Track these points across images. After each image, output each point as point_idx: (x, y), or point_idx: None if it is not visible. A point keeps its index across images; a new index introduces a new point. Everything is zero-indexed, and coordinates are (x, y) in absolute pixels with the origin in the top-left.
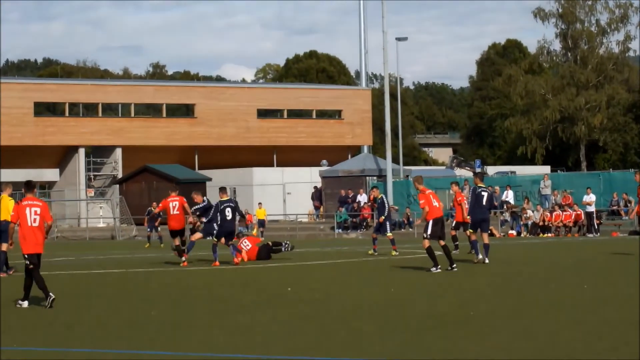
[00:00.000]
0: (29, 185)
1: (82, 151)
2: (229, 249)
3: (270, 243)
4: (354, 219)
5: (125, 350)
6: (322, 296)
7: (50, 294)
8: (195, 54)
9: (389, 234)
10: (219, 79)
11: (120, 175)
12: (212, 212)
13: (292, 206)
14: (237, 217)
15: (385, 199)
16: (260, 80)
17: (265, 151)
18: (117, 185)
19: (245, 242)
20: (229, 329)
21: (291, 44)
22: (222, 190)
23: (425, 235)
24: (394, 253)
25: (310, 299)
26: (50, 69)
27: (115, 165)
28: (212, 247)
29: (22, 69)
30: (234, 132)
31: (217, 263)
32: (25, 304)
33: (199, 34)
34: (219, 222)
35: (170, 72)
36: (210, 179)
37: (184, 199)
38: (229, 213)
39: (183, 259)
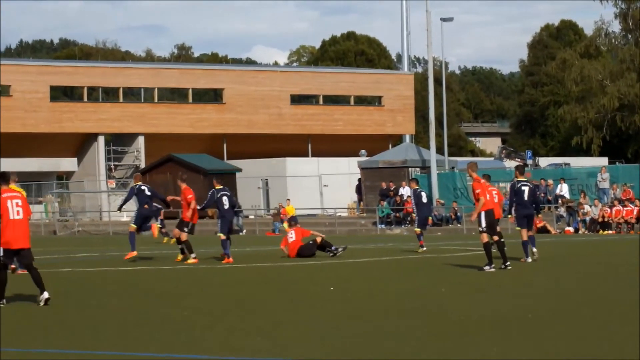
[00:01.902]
0: (4, 177)
1: (101, 139)
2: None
3: (318, 241)
4: (397, 214)
5: (156, 354)
6: (364, 296)
7: (4, 300)
8: (223, 35)
9: (416, 228)
10: (249, 62)
11: (143, 165)
12: (206, 201)
13: (329, 199)
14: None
15: (420, 192)
16: (294, 64)
17: (299, 140)
18: (140, 176)
19: (290, 234)
20: (265, 330)
21: (327, 24)
22: (217, 178)
23: (481, 229)
24: (419, 250)
25: (352, 299)
26: (67, 50)
27: (138, 154)
28: (221, 243)
29: (37, 50)
30: (265, 120)
31: (231, 259)
32: (3, 302)
33: (227, 13)
34: (219, 215)
35: (196, 55)
36: (240, 170)
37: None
38: (226, 202)
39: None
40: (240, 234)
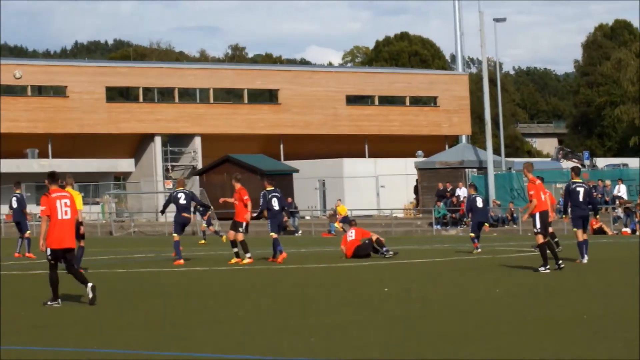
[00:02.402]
0: (53, 177)
1: (158, 140)
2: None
3: (374, 239)
4: (453, 215)
5: (211, 354)
6: (418, 297)
7: (59, 300)
8: (277, 36)
9: (471, 232)
10: (304, 63)
11: (199, 166)
12: (261, 205)
13: (385, 200)
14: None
15: (475, 197)
16: (349, 64)
17: (355, 140)
18: (197, 177)
19: (351, 232)
20: (317, 330)
21: (381, 25)
22: (268, 179)
23: (536, 230)
24: (474, 252)
25: (406, 299)
26: (122, 51)
27: (195, 155)
28: (273, 241)
29: (92, 51)
30: (321, 120)
31: (284, 254)
32: (89, 288)
33: (281, 14)
34: (270, 215)
35: (250, 55)
36: (297, 171)
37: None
38: (276, 204)
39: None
40: (296, 234)
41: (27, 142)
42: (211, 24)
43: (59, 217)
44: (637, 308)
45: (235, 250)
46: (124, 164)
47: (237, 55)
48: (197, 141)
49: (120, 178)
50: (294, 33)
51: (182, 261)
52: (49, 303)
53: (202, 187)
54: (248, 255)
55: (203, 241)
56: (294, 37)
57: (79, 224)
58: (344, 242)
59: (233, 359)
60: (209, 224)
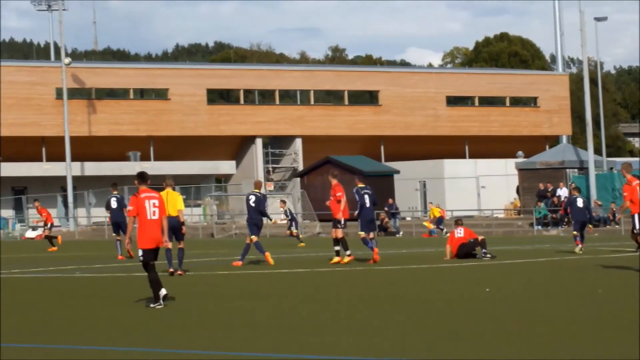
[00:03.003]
0: (143, 177)
1: (259, 141)
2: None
3: (479, 239)
4: (554, 215)
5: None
6: (520, 297)
7: (161, 302)
8: (377, 37)
9: (574, 231)
10: (403, 64)
11: (300, 168)
12: (358, 203)
13: (486, 201)
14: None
15: (575, 199)
16: (448, 65)
17: (456, 141)
18: (298, 179)
19: (459, 230)
20: (406, 330)
21: (480, 25)
22: (359, 176)
23: (635, 231)
24: (576, 250)
25: (506, 300)
26: (222, 54)
27: (296, 156)
28: (362, 240)
29: (193, 53)
30: (422, 121)
31: (375, 249)
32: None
33: (380, 15)
34: (358, 211)
35: (350, 57)
36: (398, 172)
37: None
38: (367, 200)
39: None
40: (397, 235)
41: (130, 144)
42: (311, 25)
43: (148, 217)
44: None
45: (337, 248)
46: (225, 166)
47: (337, 57)
48: (298, 143)
49: (221, 180)
50: (394, 34)
51: (240, 263)
52: (152, 305)
53: (303, 189)
54: (348, 252)
55: (302, 243)
56: (394, 38)
57: (180, 224)
58: (449, 241)
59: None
60: (290, 226)
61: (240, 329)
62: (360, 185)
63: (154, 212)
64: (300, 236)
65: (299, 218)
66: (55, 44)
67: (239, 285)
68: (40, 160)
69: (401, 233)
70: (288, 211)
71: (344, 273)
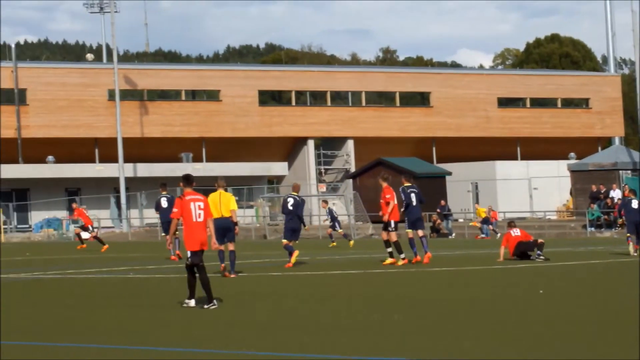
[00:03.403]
0: (188, 180)
1: (311, 143)
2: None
3: (539, 242)
4: (607, 217)
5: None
6: (572, 298)
7: (214, 300)
8: (428, 38)
9: (627, 233)
10: (454, 65)
11: (352, 169)
12: (405, 202)
13: (538, 202)
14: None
15: (630, 200)
16: (499, 67)
17: (507, 143)
18: (350, 180)
19: (516, 230)
20: (451, 331)
21: (530, 26)
22: (405, 175)
23: None
24: (631, 251)
25: (560, 301)
26: (273, 55)
27: (347, 158)
28: (409, 241)
29: (244, 54)
30: (473, 123)
31: (405, 260)
32: (192, 302)
33: (431, 17)
34: (404, 210)
35: (401, 58)
36: (450, 173)
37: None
38: (414, 199)
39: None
40: (450, 237)
41: (182, 146)
42: (362, 26)
43: (193, 219)
44: None
45: (389, 250)
46: (277, 168)
47: (388, 58)
48: (350, 144)
49: (273, 181)
50: (445, 36)
51: (291, 262)
52: (205, 306)
53: (355, 190)
54: (402, 256)
55: (334, 243)
56: (445, 39)
57: (233, 225)
58: (505, 242)
59: None
60: (333, 227)
61: (295, 330)
62: (407, 184)
63: (199, 214)
64: (341, 233)
65: (351, 220)
66: (107, 46)
67: (292, 286)
68: (93, 161)
69: (453, 234)
70: (330, 211)
71: (396, 275)
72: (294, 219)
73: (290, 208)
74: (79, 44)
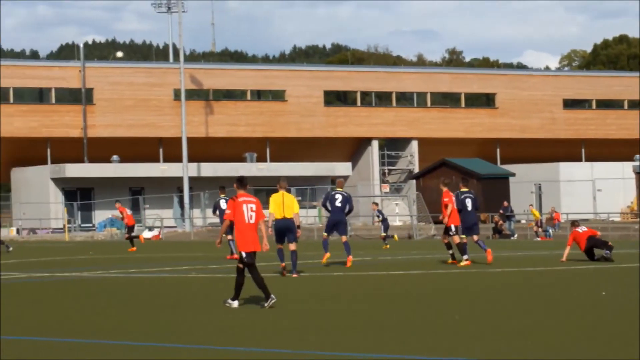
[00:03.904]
0: (242, 182)
1: (375, 143)
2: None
3: (609, 243)
4: None
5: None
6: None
7: (272, 295)
8: (494, 40)
9: None
10: (520, 67)
11: (416, 170)
12: (455, 204)
13: (602, 204)
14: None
15: None
16: (565, 68)
17: (572, 144)
18: (414, 181)
19: (581, 227)
20: (532, 333)
21: (598, 28)
22: (463, 180)
23: None
24: None
25: (623, 303)
26: (339, 55)
27: (411, 159)
28: (462, 246)
29: (310, 55)
30: (538, 124)
31: (469, 262)
32: (235, 304)
33: (497, 18)
34: (460, 217)
35: (467, 59)
36: (513, 174)
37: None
38: (469, 204)
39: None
40: (512, 238)
41: (246, 146)
42: (428, 27)
43: (245, 221)
44: None
45: (450, 252)
46: (341, 168)
47: (454, 59)
48: (414, 145)
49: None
50: (511, 37)
51: (327, 255)
52: (265, 304)
53: (419, 191)
54: (465, 257)
55: (387, 245)
56: (511, 41)
57: (296, 227)
58: (571, 241)
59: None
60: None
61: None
62: (463, 189)
63: (251, 216)
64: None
65: (413, 220)
66: (174, 46)
67: (352, 286)
68: (157, 161)
69: (516, 236)
70: (379, 212)
71: (456, 275)
72: (340, 214)
73: (339, 205)
74: (146, 43)
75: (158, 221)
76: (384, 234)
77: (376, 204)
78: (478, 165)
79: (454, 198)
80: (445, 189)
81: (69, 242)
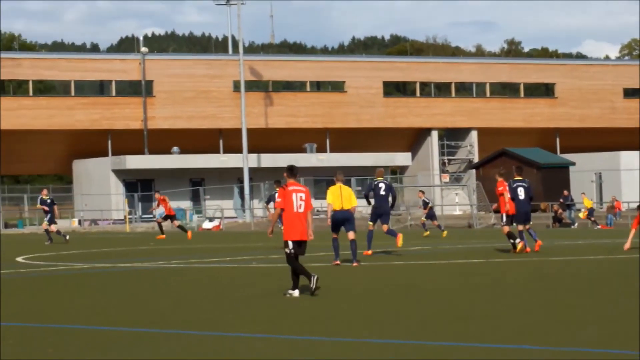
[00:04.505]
0: (292, 171)
1: (434, 134)
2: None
3: None
4: None
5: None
6: None
7: (312, 274)
8: (553, 30)
9: None
10: (579, 56)
11: (476, 160)
12: (511, 196)
13: None
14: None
15: None
16: (626, 57)
17: (632, 133)
18: (474, 171)
19: None
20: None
21: None
22: (517, 169)
23: None
24: None
25: None
26: (398, 47)
27: (471, 148)
28: (518, 233)
29: (369, 46)
30: (598, 113)
31: (522, 243)
32: (296, 293)
33: (556, 9)
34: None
35: (526, 49)
36: (573, 164)
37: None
38: (521, 193)
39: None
40: (572, 227)
41: (306, 136)
42: (487, 19)
43: (294, 210)
44: None
45: (512, 241)
46: (401, 158)
47: (512, 50)
48: (474, 135)
49: (396, 172)
50: (570, 27)
51: (370, 252)
52: (289, 291)
53: (479, 181)
54: (517, 240)
55: (427, 232)
56: (570, 31)
57: (353, 216)
58: (635, 225)
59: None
60: (431, 217)
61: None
62: (517, 177)
63: (300, 205)
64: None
65: (473, 210)
66: (233, 38)
67: (402, 276)
68: (218, 152)
69: (576, 224)
70: (426, 200)
71: (508, 264)
72: (385, 204)
73: (383, 193)
74: (205, 35)
75: (218, 212)
76: (436, 222)
77: (422, 192)
78: (538, 155)
79: (507, 187)
80: (500, 179)
81: (130, 233)
